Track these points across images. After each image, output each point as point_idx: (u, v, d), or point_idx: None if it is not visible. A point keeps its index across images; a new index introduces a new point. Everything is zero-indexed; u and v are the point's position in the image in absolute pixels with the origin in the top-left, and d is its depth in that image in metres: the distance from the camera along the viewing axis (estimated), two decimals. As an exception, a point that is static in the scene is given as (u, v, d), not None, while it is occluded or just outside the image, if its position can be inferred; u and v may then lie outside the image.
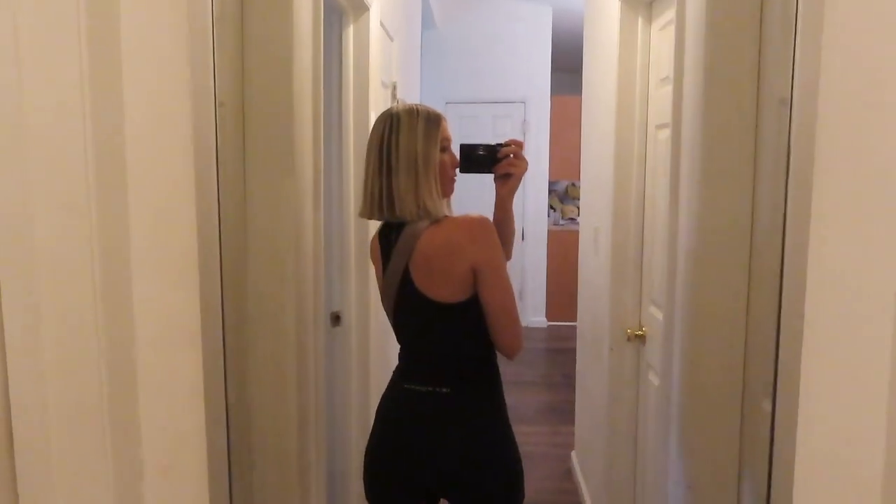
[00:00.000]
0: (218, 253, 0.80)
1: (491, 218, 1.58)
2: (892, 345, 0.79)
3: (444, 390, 1.51)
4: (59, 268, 0.70)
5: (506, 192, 1.62)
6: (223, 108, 1.34)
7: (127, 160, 0.70)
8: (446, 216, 1.51)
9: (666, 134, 1.96)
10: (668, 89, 1.83)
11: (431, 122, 1.50)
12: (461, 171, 1.59)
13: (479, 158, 1.58)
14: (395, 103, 3.27)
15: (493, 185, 1.64)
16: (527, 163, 1.60)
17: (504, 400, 1.59)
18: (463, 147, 1.58)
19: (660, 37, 2.21)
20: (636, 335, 2.41)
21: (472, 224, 1.45)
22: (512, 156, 1.58)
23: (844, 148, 0.78)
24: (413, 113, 1.50)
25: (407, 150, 1.47)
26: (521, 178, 1.60)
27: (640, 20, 2.34)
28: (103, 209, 0.71)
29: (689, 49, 1.58)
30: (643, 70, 2.36)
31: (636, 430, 2.51)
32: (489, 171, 1.59)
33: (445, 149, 1.54)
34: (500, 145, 1.59)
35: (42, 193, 0.70)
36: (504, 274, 1.47)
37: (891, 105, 0.74)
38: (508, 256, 1.73)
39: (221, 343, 0.81)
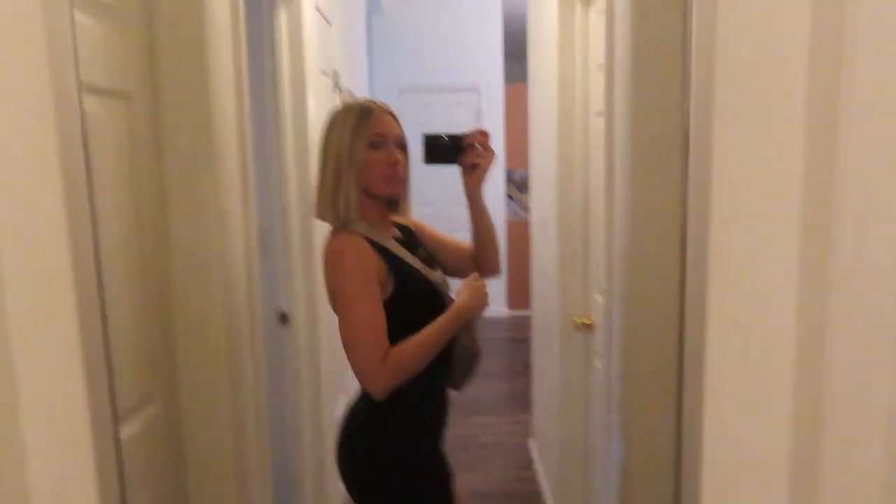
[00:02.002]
0: (92, 255, 0.74)
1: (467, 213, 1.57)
2: (795, 316, 0.78)
3: (359, 401, 1.53)
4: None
5: (472, 184, 1.54)
6: (131, 101, 1.27)
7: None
8: (343, 227, 1.45)
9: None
10: (604, 75, 1.82)
11: (363, 116, 1.45)
12: (425, 163, 1.53)
13: (443, 149, 1.52)
14: (339, 93, 3.21)
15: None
16: (494, 153, 1.53)
17: (409, 413, 1.49)
18: (426, 137, 1.52)
19: (598, 22, 2.19)
20: (584, 323, 2.41)
21: (332, 247, 1.43)
22: (478, 146, 1.52)
23: (740, 134, 0.77)
24: (348, 108, 1.47)
25: (335, 148, 1.45)
26: (487, 169, 1.53)
27: (578, 4, 2.32)
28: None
29: (618, 35, 1.56)
30: (583, 56, 2.35)
31: (586, 417, 2.52)
32: (453, 162, 1.53)
33: (376, 144, 1.45)
34: (465, 135, 1.53)
35: None
36: (351, 305, 1.37)
37: (785, 90, 0.73)
38: (496, 266, 1.66)
39: (104, 358, 0.76)
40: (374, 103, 1.50)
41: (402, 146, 1.51)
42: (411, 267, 1.48)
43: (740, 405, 0.78)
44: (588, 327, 2.40)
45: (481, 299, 1.50)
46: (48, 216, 0.67)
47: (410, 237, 1.62)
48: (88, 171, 0.74)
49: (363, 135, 1.44)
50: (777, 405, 0.78)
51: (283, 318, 2.55)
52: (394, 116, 1.51)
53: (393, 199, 1.54)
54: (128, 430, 1.23)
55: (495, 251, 1.67)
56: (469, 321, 1.50)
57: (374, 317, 1.36)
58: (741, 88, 0.75)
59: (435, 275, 1.54)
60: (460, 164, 1.53)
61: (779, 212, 0.76)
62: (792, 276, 0.78)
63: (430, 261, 1.59)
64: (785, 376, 0.78)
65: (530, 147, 3.35)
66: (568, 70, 2.37)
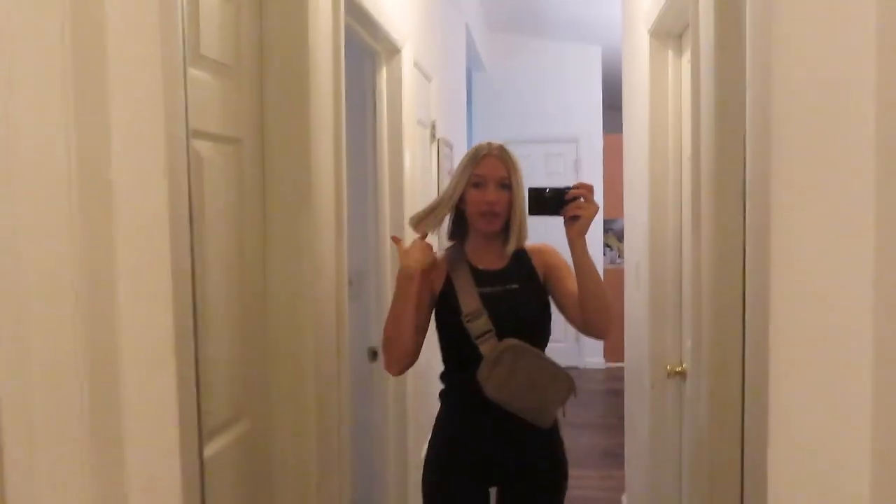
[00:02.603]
0: (190, 284, 0.83)
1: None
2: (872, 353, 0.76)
3: None
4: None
5: (573, 235, 1.58)
6: (241, 147, 1.42)
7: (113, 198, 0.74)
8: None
9: (694, 165, 1.93)
10: (694, 121, 1.81)
11: (472, 157, 1.63)
12: (529, 214, 1.63)
13: (546, 201, 1.59)
14: (436, 141, 3.35)
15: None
16: (597, 206, 1.57)
17: (449, 413, 1.76)
18: (531, 190, 1.61)
19: (689, 69, 2.19)
20: (676, 371, 2.33)
21: None
22: (582, 199, 1.57)
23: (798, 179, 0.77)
24: (472, 148, 1.66)
25: (452, 183, 1.65)
26: (589, 221, 1.57)
27: (669, 53, 2.33)
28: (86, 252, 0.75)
29: (702, 80, 1.57)
30: (675, 102, 2.34)
31: (679, 472, 2.41)
32: (556, 214, 1.59)
33: (478, 184, 1.62)
34: (567, 188, 1.59)
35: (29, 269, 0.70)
36: None
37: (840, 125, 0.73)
38: (601, 329, 1.65)
39: (195, 377, 0.84)
40: (490, 145, 1.64)
41: (507, 186, 1.63)
42: (454, 296, 1.65)
43: (805, 473, 0.75)
44: (680, 375, 2.32)
45: (405, 265, 1.60)
46: (154, 243, 0.77)
47: (507, 270, 1.71)
48: (191, 205, 0.84)
49: (468, 173, 1.62)
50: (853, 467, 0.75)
51: (374, 355, 2.64)
52: (501, 159, 1.63)
53: (493, 233, 1.67)
54: (220, 443, 1.34)
55: (602, 314, 1.63)
56: (405, 282, 1.61)
57: None
58: (797, 137, 0.75)
59: (473, 306, 1.61)
60: (563, 215, 1.58)
61: (847, 267, 0.75)
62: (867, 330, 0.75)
63: (497, 298, 1.65)
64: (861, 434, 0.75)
65: (624, 194, 3.33)
66: (660, 115, 2.38)
